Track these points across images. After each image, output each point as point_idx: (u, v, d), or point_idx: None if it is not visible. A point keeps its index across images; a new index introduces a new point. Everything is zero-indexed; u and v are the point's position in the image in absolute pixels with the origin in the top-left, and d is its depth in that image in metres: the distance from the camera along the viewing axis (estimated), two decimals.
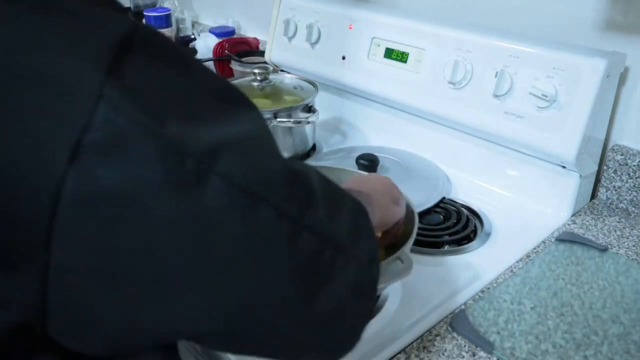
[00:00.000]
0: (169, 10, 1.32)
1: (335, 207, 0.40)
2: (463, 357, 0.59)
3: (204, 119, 0.33)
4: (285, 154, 0.99)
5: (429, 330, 0.63)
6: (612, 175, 0.86)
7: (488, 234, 0.81)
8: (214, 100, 0.35)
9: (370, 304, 0.44)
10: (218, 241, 0.32)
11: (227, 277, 0.33)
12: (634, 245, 0.78)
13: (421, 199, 0.85)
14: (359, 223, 0.43)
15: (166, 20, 1.30)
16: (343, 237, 0.39)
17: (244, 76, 1.11)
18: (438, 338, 0.62)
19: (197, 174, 0.31)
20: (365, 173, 0.79)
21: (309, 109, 1.00)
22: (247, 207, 0.32)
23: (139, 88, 0.31)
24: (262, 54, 1.27)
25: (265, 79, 1.04)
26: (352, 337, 0.43)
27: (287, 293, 0.35)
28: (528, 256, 0.75)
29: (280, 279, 0.35)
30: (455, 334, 0.62)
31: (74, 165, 0.28)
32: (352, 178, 0.68)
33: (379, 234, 0.63)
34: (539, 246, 0.78)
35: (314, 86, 1.04)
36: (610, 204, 0.88)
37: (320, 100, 1.04)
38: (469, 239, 0.81)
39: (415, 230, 0.66)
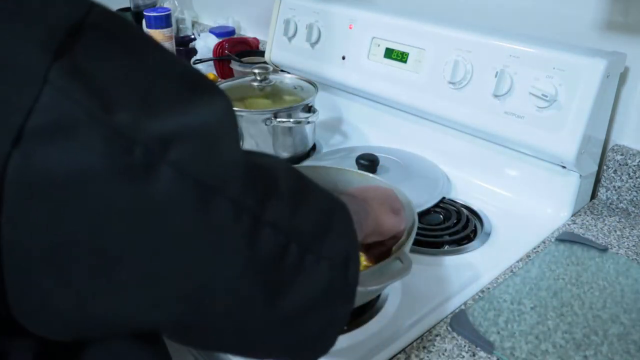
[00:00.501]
0: (169, 10, 1.32)
1: (304, 204, 0.38)
2: (463, 357, 0.59)
3: (160, 105, 0.32)
4: (285, 154, 1.00)
5: (429, 330, 0.63)
6: (612, 175, 0.86)
7: (488, 234, 0.81)
8: (174, 86, 0.34)
9: (346, 308, 0.41)
10: (165, 232, 0.31)
11: (174, 270, 0.32)
12: (634, 245, 0.78)
13: (421, 199, 0.85)
14: (333, 221, 0.40)
15: (166, 20, 1.30)
16: (311, 235, 0.37)
17: (244, 76, 1.11)
18: (438, 338, 0.62)
19: (146, 162, 0.30)
20: (365, 173, 0.79)
21: (309, 109, 1.00)
22: (200, 199, 0.31)
23: (89, 72, 0.30)
24: (262, 54, 1.27)
25: (265, 79, 1.04)
26: (324, 342, 0.41)
27: (245, 290, 0.34)
28: (528, 256, 0.75)
29: (237, 276, 0.33)
30: (455, 334, 0.62)
31: (17, 149, 0.28)
32: (356, 187, 0.66)
33: (373, 242, 0.61)
34: (539, 246, 0.78)
35: (314, 86, 1.04)
36: (610, 204, 0.88)
37: (320, 100, 1.04)
38: (469, 239, 0.81)
39: (414, 230, 0.66)
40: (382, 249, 0.62)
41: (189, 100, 0.33)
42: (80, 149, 0.29)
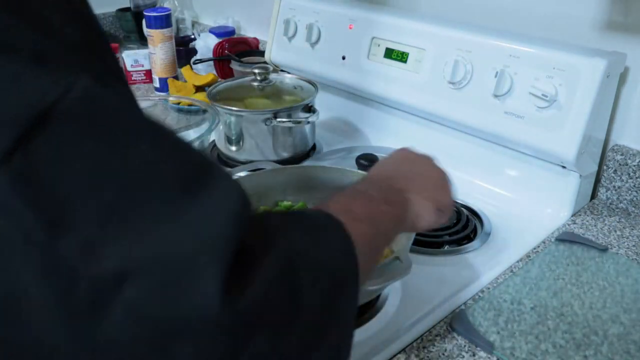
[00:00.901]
0: (169, 10, 1.32)
1: (294, 318, 0.31)
2: (463, 357, 0.59)
3: (128, 224, 0.26)
4: (285, 154, 1.00)
5: (429, 330, 0.63)
6: (612, 175, 0.86)
7: (488, 234, 0.81)
8: (158, 194, 0.27)
9: None
10: None
11: None
12: (634, 245, 0.78)
13: None
14: (332, 313, 0.34)
15: (166, 20, 1.30)
16: (295, 356, 0.31)
17: (244, 76, 1.11)
18: (438, 338, 0.62)
19: (93, 301, 0.25)
20: (365, 173, 0.79)
21: (309, 109, 1.00)
22: (157, 348, 0.26)
23: (44, 177, 0.25)
24: (262, 54, 1.27)
25: (265, 79, 1.04)
26: None
27: None
28: (528, 256, 0.75)
29: None
30: (455, 334, 0.62)
31: None
32: (399, 153, 0.57)
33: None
34: (539, 246, 0.78)
35: (314, 86, 1.04)
36: (610, 204, 0.88)
37: (320, 100, 1.04)
38: (469, 239, 0.81)
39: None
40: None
41: (177, 208, 0.27)
42: (13, 276, 0.25)
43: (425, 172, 0.55)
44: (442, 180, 0.56)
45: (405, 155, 0.56)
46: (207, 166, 0.30)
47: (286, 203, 0.78)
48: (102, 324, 0.25)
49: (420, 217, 0.51)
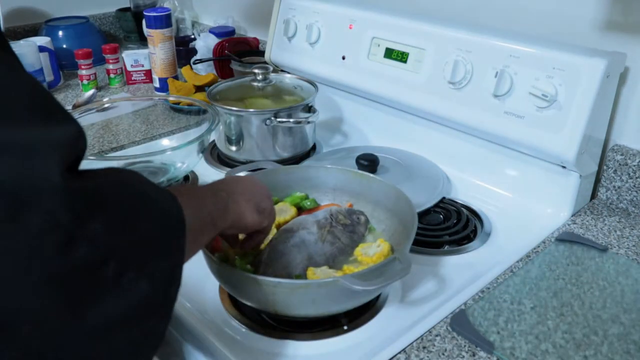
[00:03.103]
0: (169, 10, 1.32)
1: (131, 222, 0.38)
2: (463, 357, 0.59)
3: None
4: (285, 154, 1.00)
5: (429, 330, 0.63)
6: (612, 175, 0.86)
7: (488, 234, 0.81)
8: (13, 104, 0.35)
9: (162, 325, 0.41)
10: None
11: None
12: (634, 245, 0.78)
13: (421, 199, 0.85)
14: (162, 239, 0.41)
15: (166, 20, 1.30)
16: (133, 254, 0.38)
17: (244, 76, 1.12)
18: (438, 338, 0.62)
19: None
20: (365, 173, 0.79)
21: (309, 109, 1.00)
22: (12, 211, 0.32)
23: None
24: (262, 54, 1.27)
25: (265, 79, 1.04)
26: (139, 357, 0.41)
27: (49, 299, 0.34)
28: (528, 256, 0.75)
29: (40, 284, 0.34)
30: (455, 334, 0.62)
31: None
32: (229, 177, 0.69)
33: (235, 236, 0.66)
34: (539, 246, 0.78)
35: (314, 86, 1.04)
36: (610, 204, 0.88)
37: (320, 100, 1.04)
38: (469, 239, 0.81)
39: (414, 230, 0.66)
40: (248, 244, 0.67)
41: (30, 120, 0.35)
42: None
43: (248, 184, 0.64)
44: (262, 190, 0.65)
45: (232, 177, 0.67)
46: (51, 99, 0.38)
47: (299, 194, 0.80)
48: None
49: (242, 214, 0.59)
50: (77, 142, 0.38)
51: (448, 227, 0.82)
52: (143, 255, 0.39)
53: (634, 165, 0.84)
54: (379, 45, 1.00)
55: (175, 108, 1.16)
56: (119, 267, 0.36)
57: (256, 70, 1.04)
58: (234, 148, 1.01)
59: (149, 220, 0.41)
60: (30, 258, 0.33)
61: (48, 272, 0.34)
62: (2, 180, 0.32)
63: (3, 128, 0.34)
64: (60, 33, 1.54)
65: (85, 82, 1.37)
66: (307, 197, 0.80)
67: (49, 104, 0.38)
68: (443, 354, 0.60)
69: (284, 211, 0.76)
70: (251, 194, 0.62)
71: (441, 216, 0.85)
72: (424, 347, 0.61)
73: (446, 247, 0.79)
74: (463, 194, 0.91)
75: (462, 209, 0.86)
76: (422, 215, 0.84)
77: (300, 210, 0.79)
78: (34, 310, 0.34)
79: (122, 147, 1.08)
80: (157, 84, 1.35)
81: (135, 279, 0.38)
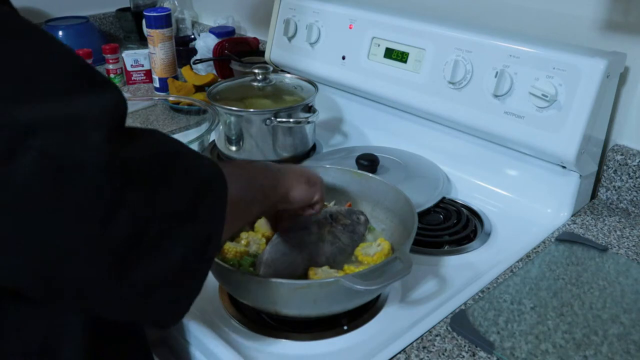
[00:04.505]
0: (169, 10, 1.31)
1: (169, 188, 0.40)
2: (463, 357, 0.59)
3: (37, 93, 0.35)
4: (285, 154, 1.00)
5: (429, 331, 0.63)
6: (612, 175, 0.86)
7: (488, 234, 0.81)
8: (61, 77, 0.37)
9: (198, 283, 0.45)
10: (24, 207, 0.34)
11: (29, 236, 0.35)
12: (634, 245, 0.78)
13: (421, 199, 0.85)
14: (200, 204, 0.43)
15: (166, 20, 1.30)
16: (172, 219, 0.40)
17: (244, 76, 1.11)
18: (438, 338, 0.62)
19: (8, 147, 0.33)
20: (365, 173, 0.79)
21: (309, 109, 1.00)
22: (59, 179, 0.34)
23: None
24: (262, 54, 1.27)
25: (265, 79, 1.04)
26: (176, 310, 0.45)
27: (97, 264, 0.37)
28: (528, 256, 0.75)
29: (90, 251, 0.37)
30: (455, 334, 0.62)
31: None
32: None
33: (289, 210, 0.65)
34: (539, 246, 0.78)
35: (314, 86, 1.04)
36: (610, 204, 0.88)
37: (320, 100, 1.04)
38: (469, 239, 0.81)
39: (414, 230, 0.66)
40: (301, 214, 0.67)
41: (71, 91, 0.37)
42: None
43: (297, 165, 0.68)
44: (311, 171, 0.66)
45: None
46: (93, 70, 0.40)
47: None
48: (17, 166, 0.33)
49: (292, 187, 0.60)
50: (118, 107, 0.39)
51: (448, 227, 0.82)
52: (181, 222, 0.41)
53: (634, 165, 0.84)
54: (379, 45, 1.00)
55: (175, 108, 1.16)
56: (157, 234, 0.39)
57: (256, 70, 1.04)
58: (234, 148, 1.01)
59: (187, 190, 0.42)
60: (75, 230, 0.36)
61: (95, 241, 0.36)
62: (50, 153, 0.34)
63: (48, 101, 0.35)
64: (60, 33, 1.54)
65: None
66: None
67: (89, 73, 0.39)
68: (443, 354, 0.60)
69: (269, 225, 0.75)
70: (301, 171, 0.63)
71: (441, 216, 0.85)
72: (424, 347, 0.61)
73: (446, 247, 0.79)
74: (463, 194, 0.91)
75: (462, 209, 0.86)
76: (422, 215, 0.84)
77: None
78: (84, 277, 0.38)
79: None
80: (157, 84, 1.35)
81: (172, 245, 0.40)
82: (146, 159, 0.40)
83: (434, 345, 0.61)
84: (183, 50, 1.48)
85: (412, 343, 0.61)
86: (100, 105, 0.37)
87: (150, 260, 0.39)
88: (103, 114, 0.37)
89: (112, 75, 1.41)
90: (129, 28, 1.70)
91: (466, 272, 0.73)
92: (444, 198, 0.88)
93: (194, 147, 0.90)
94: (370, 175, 0.79)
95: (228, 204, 0.45)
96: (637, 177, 0.84)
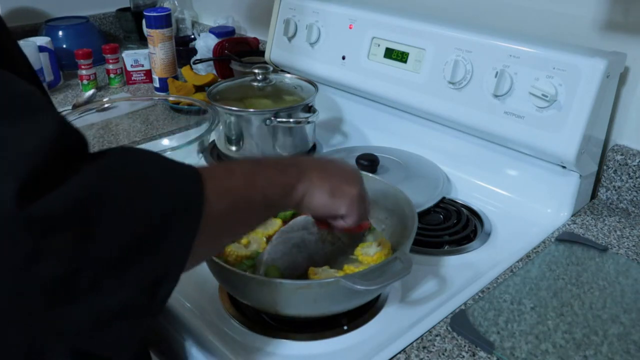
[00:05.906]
0: (169, 10, 1.31)
1: (115, 221, 0.36)
2: (463, 357, 0.59)
3: None
4: (285, 154, 0.99)
5: (429, 331, 0.63)
6: (612, 175, 0.86)
7: (488, 234, 0.81)
8: None
9: (146, 321, 0.40)
10: None
11: None
12: (634, 245, 0.78)
13: (421, 199, 0.85)
14: (155, 239, 0.38)
15: (166, 20, 1.30)
16: (114, 260, 0.36)
17: (244, 76, 1.11)
18: (438, 338, 0.62)
19: None
20: (365, 173, 0.79)
21: (309, 109, 1.00)
22: None
23: None
24: (262, 54, 1.27)
25: (265, 79, 1.04)
26: (122, 350, 0.40)
27: (24, 310, 0.34)
28: (528, 256, 0.75)
29: (14, 288, 0.33)
30: (455, 334, 0.62)
31: None
32: (317, 156, 0.61)
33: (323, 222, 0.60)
34: (539, 246, 0.78)
35: (314, 86, 1.04)
36: (610, 204, 0.88)
37: (320, 100, 1.04)
38: (469, 239, 0.81)
39: (414, 230, 0.66)
40: (298, 217, 0.62)
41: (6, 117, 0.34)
42: None
43: (337, 164, 0.57)
44: (351, 173, 0.58)
45: (321, 156, 0.60)
46: (30, 99, 0.36)
47: None
48: None
49: (311, 195, 0.53)
50: (50, 141, 0.35)
51: (448, 227, 0.82)
52: (127, 260, 0.37)
53: (634, 165, 0.84)
54: (379, 45, 1.00)
55: (175, 108, 1.16)
56: (94, 276, 0.35)
57: (256, 70, 1.03)
58: (234, 148, 1.01)
59: (129, 232, 0.37)
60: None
61: (18, 286, 0.33)
62: None
63: None
64: (60, 33, 1.54)
65: (85, 82, 1.37)
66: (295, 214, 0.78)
67: (19, 103, 0.36)
68: (443, 354, 0.60)
69: (269, 224, 0.75)
70: (330, 174, 0.55)
71: (441, 216, 0.85)
72: (424, 347, 0.61)
73: (446, 247, 0.79)
74: (463, 194, 0.91)
75: (462, 209, 0.86)
76: (422, 215, 0.84)
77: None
78: (15, 318, 0.34)
79: None
80: (157, 84, 1.35)
81: (116, 285, 0.36)
82: (70, 207, 0.34)
83: (434, 345, 0.61)
84: (183, 50, 1.48)
85: (412, 343, 0.61)
86: (20, 147, 0.34)
87: (88, 301, 0.35)
88: (20, 158, 0.33)
89: (112, 76, 1.41)
90: (129, 28, 1.70)
91: (466, 272, 0.73)
92: (444, 198, 0.88)
93: (194, 147, 0.90)
94: (370, 175, 0.79)
95: (207, 220, 0.41)
96: (637, 177, 0.84)
